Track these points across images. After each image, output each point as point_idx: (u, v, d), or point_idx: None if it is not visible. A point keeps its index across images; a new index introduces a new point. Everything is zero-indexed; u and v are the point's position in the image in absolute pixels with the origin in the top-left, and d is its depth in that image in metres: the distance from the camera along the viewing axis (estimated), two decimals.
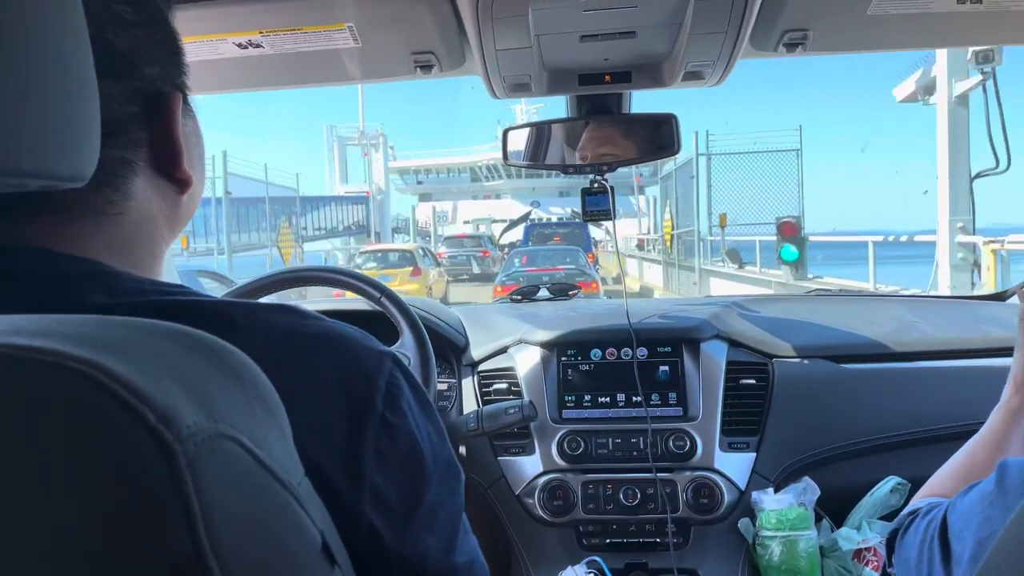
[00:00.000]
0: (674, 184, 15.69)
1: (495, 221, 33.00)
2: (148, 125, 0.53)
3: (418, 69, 1.24)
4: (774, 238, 10.24)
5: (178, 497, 0.32)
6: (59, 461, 0.32)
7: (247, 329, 0.49)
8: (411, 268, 14.12)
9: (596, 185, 1.51)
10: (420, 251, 15.67)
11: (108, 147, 0.48)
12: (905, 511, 0.82)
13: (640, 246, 22.39)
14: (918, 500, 0.84)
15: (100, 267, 0.51)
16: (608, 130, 1.43)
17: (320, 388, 0.49)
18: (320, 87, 1.36)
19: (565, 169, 1.50)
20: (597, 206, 1.52)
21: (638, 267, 20.16)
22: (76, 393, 0.33)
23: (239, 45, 1.11)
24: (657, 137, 1.40)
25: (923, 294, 2.62)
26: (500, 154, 1.49)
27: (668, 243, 16.19)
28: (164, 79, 0.54)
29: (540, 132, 1.45)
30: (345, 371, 0.51)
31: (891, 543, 0.80)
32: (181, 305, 0.50)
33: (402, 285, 13.05)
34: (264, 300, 1.37)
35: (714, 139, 13.05)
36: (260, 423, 0.40)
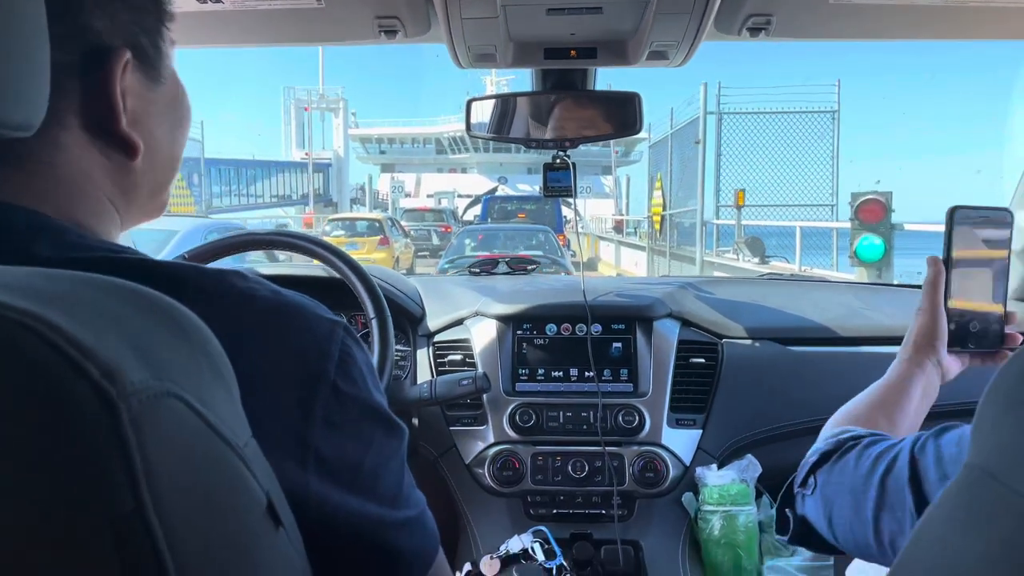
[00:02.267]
0: (668, 153, 12.31)
1: (460, 196, 32.66)
2: (81, 76, 0.52)
3: (382, 34, 1.22)
4: (793, 225, 8.33)
5: (120, 454, 0.32)
6: None
7: (199, 291, 0.49)
8: (379, 237, 13.99)
9: (558, 161, 1.52)
10: (388, 221, 15.54)
11: None
12: (835, 432, 0.80)
13: (618, 228, 20.00)
14: (839, 427, 0.83)
15: (46, 220, 0.50)
16: (572, 106, 1.43)
17: (272, 355, 0.50)
18: (280, 47, 1.33)
19: (528, 143, 1.50)
20: (558, 182, 1.53)
21: (615, 253, 17.43)
22: (18, 345, 0.32)
23: None
24: (620, 115, 1.41)
25: (872, 282, 2.69)
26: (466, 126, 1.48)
27: (657, 227, 13.11)
28: (113, 34, 0.52)
29: (505, 104, 1.45)
30: (298, 339, 0.51)
31: (815, 465, 0.78)
32: (131, 264, 0.50)
33: (370, 254, 12.88)
34: (216, 264, 1.35)
35: (728, 94, 9.84)
36: (207, 383, 0.39)
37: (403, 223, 17.89)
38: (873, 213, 6.68)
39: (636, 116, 1.40)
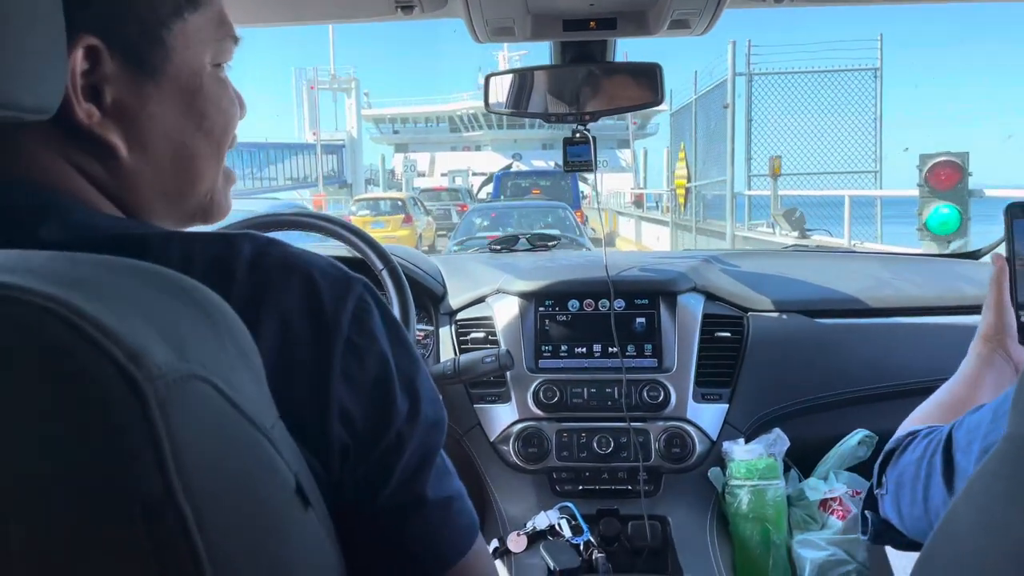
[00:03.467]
0: (692, 121, 11.28)
1: (475, 174, 32.49)
2: None
3: (399, 9, 1.20)
4: (835, 194, 7.44)
5: (148, 437, 0.32)
6: (26, 399, 0.32)
7: (206, 259, 0.48)
8: (403, 216, 14.33)
9: (578, 135, 1.50)
10: (411, 200, 15.88)
11: None
12: (901, 433, 0.83)
13: (638, 203, 19.26)
14: (909, 427, 0.85)
15: (54, 199, 0.49)
16: (592, 79, 1.41)
17: (287, 314, 0.48)
18: (297, 26, 1.31)
19: (547, 118, 1.48)
20: (579, 156, 1.51)
21: (635, 229, 16.68)
22: (43, 330, 0.32)
23: None
24: (641, 87, 1.38)
25: (900, 251, 2.65)
26: (481, 103, 1.46)
27: (682, 200, 12.16)
28: (79, 22, 0.48)
29: (523, 79, 1.43)
30: (310, 296, 0.50)
31: (884, 464, 0.81)
32: (138, 238, 0.49)
33: (394, 231, 13.25)
34: None
35: (759, 53, 8.79)
36: (233, 364, 0.39)
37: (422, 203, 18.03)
38: (946, 177, 5.63)
39: (658, 87, 1.37)
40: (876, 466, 0.83)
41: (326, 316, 0.49)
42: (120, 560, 0.33)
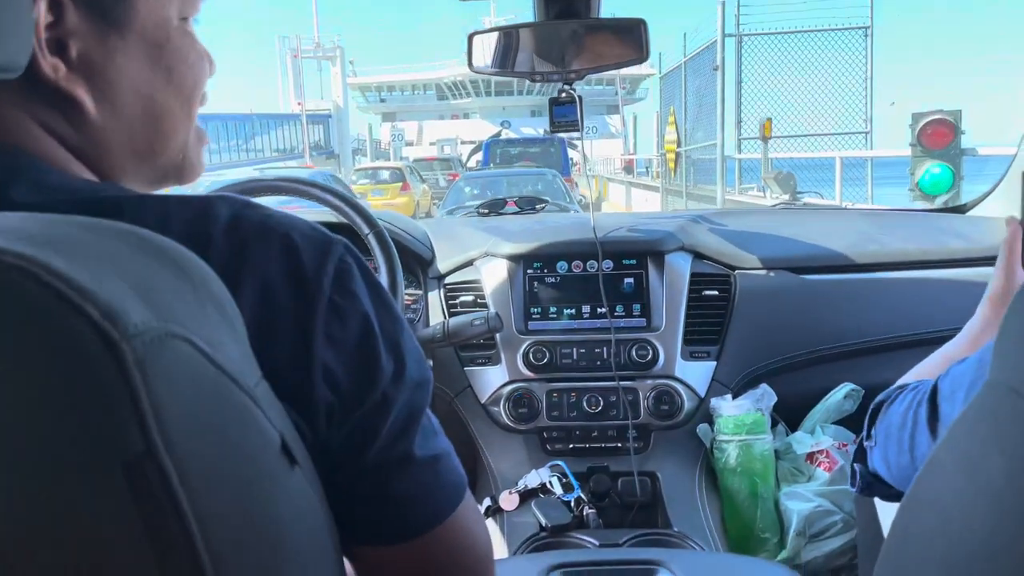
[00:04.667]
0: (681, 84, 11.15)
1: (463, 142, 32.20)
2: None
3: None
4: (825, 156, 7.35)
5: (127, 395, 0.32)
6: (1, 359, 0.31)
7: (184, 222, 0.47)
8: (400, 184, 14.95)
9: (564, 95, 1.48)
10: (408, 169, 16.53)
11: None
12: (892, 387, 0.84)
13: (628, 169, 19.35)
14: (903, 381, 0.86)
15: (26, 159, 0.48)
16: (576, 36, 1.39)
17: (265, 277, 0.48)
18: None
19: (532, 77, 1.47)
20: (565, 116, 1.50)
21: (625, 195, 16.75)
22: (16, 289, 0.31)
23: None
24: (626, 43, 1.37)
25: (885, 208, 2.66)
26: (468, 69, 1.44)
27: (672, 165, 12.08)
28: None
29: (508, 38, 1.41)
30: (290, 257, 0.49)
31: (874, 416, 0.82)
32: (112, 201, 0.48)
33: (393, 199, 13.83)
34: None
35: (748, 13, 8.58)
36: (213, 324, 0.39)
37: None
38: (939, 136, 5.47)
39: (642, 44, 1.35)
40: (866, 418, 0.83)
41: (307, 278, 0.49)
42: (103, 518, 0.33)
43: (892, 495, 0.82)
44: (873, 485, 0.83)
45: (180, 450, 0.33)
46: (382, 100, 44.53)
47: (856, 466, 0.84)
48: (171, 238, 0.40)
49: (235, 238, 0.48)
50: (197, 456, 0.34)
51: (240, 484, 0.38)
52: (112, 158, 0.54)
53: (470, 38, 1.41)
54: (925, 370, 0.89)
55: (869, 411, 0.83)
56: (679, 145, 11.62)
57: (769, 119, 8.42)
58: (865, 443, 0.83)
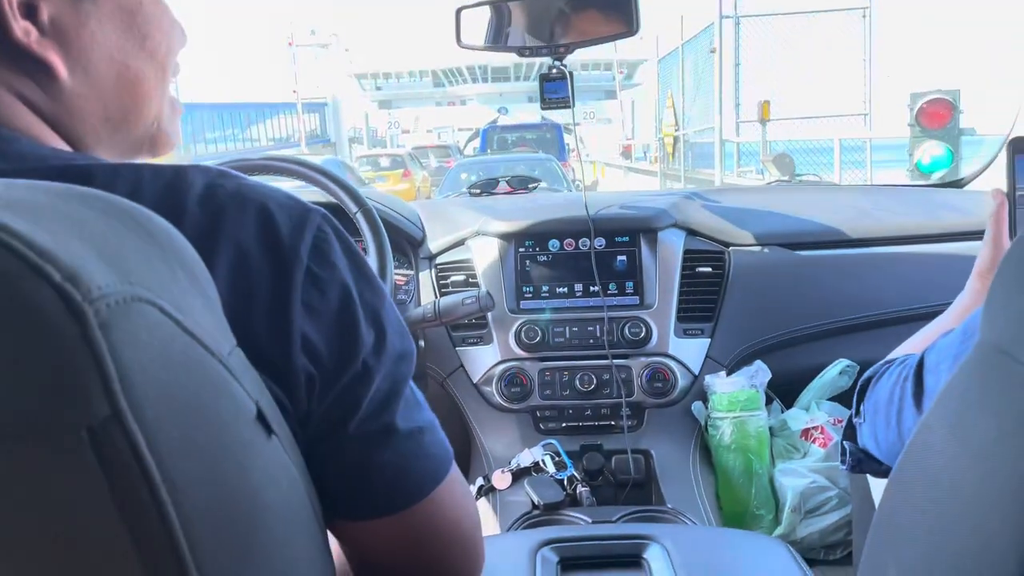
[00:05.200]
0: (679, 67, 11.11)
1: (460, 129, 32.05)
2: None
3: None
4: (824, 138, 7.26)
5: (90, 358, 0.31)
6: None
7: (157, 190, 0.46)
8: (402, 171, 15.31)
9: (555, 71, 1.46)
10: (409, 156, 17.16)
11: None
12: (880, 363, 0.83)
13: (626, 154, 19.24)
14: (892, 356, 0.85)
15: None
16: (566, 9, 1.37)
17: (240, 246, 0.47)
18: None
19: (522, 52, 1.44)
20: (555, 93, 1.48)
21: (624, 180, 16.44)
22: None
23: None
24: (616, 16, 1.35)
25: (881, 184, 2.65)
26: (464, 55, 1.42)
27: (669, 150, 12.02)
28: None
29: (496, 12, 1.39)
30: (266, 226, 0.48)
31: (862, 393, 0.81)
32: (82, 169, 0.47)
33: (396, 184, 14.13)
34: None
35: None
36: (183, 289, 0.38)
37: None
38: (937, 116, 5.38)
39: (633, 16, 1.34)
40: (855, 395, 0.83)
41: (283, 247, 0.48)
42: (70, 484, 0.32)
43: (882, 471, 0.81)
44: (863, 462, 0.82)
45: (148, 415, 0.32)
46: (378, 88, 44.31)
47: (845, 443, 0.83)
48: (145, 204, 0.39)
49: (210, 207, 0.47)
50: (166, 422, 0.33)
51: (213, 452, 0.37)
52: (85, 127, 0.53)
53: (458, 13, 1.39)
54: (913, 345, 0.88)
55: (857, 388, 0.82)
56: (677, 129, 11.55)
57: (767, 101, 8.31)
58: (854, 420, 0.82)
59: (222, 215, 0.47)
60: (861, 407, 0.80)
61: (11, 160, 0.46)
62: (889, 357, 0.85)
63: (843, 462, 0.84)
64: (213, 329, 0.39)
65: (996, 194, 0.89)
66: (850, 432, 0.83)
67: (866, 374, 0.83)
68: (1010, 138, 0.87)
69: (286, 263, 0.48)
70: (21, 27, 0.47)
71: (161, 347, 0.34)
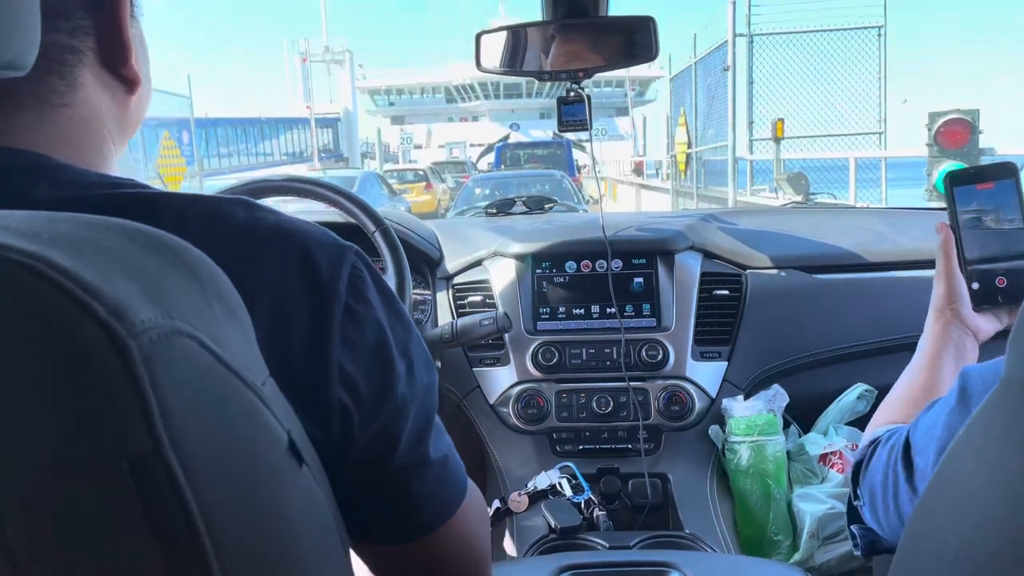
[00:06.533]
0: (692, 85, 11.18)
1: (472, 145, 32.20)
2: (94, 13, 0.50)
3: None
4: (838, 156, 7.26)
5: (133, 392, 0.31)
6: (5, 357, 0.31)
7: (200, 222, 0.48)
8: (424, 183, 17.04)
9: (572, 94, 1.48)
10: (430, 170, 18.86)
11: (53, 31, 0.45)
12: (864, 442, 0.83)
13: (638, 170, 19.37)
14: (873, 430, 0.85)
15: (44, 160, 0.48)
16: (585, 35, 1.38)
17: (281, 281, 0.48)
18: None
19: (540, 76, 1.46)
20: (574, 116, 1.49)
21: (635, 197, 16.90)
22: (22, 286, 0.31)
23: None
24: (635, 41, 1.36)
25: (898, 206, 2.64)
26: (476, 71, 1.44)
27: (682, 167, 12.06)
28: None
29: (516, 37, 1.40)
30: (306, 262, 0.50)
31: (856, 476, 0.81)
32: (130, 198, 0.48)
33: (418, 196, 15.78)
34: None
35: (759, 13, 8.54)
36: (220, 322, 0.39)
37: None
38: (956, 136, 5.38)
39: (652, 42, 1.35)
40: (850, 478, 0.83)
41: (322, 282, 0.49)
42: (109, 516, 0.32)
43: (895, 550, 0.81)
44: (876, 543, 0.81)
45: (186, 447, 0.33)
46: (391, 103, 44.69)
47: (853, 528, 0.83)
48: (188, 236, 0.40)
49: (251, 241, 0.49)
50: (203, 453, 0.34)
51: (246, 481, 0.37)
52: (129, 134, 0.57)
53: (478, 37, 1.41)
54: (890, 410, 0.88)
55: (851, 471, 0.82)
56: (690, 146, 11.63)
57: (781, 119, 8.38)
58: (854, 503, 0.82)
59: (263, 249, 0.49)
60: (858, 490, 0.80)
61: (62, 188, 0.47)
62: (871, 435, 0.85)
63: (856, 547, 0.83)
64: (248, 360, 0.40)
65: (941, 227, 0.92)
66: (854, 515, 0.82)
67: (856, 456, 0.83)
68: (947, 172, 0.91)
69: (325, 298, 0.49)
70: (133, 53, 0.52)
71: (199, 380, 0.35)
